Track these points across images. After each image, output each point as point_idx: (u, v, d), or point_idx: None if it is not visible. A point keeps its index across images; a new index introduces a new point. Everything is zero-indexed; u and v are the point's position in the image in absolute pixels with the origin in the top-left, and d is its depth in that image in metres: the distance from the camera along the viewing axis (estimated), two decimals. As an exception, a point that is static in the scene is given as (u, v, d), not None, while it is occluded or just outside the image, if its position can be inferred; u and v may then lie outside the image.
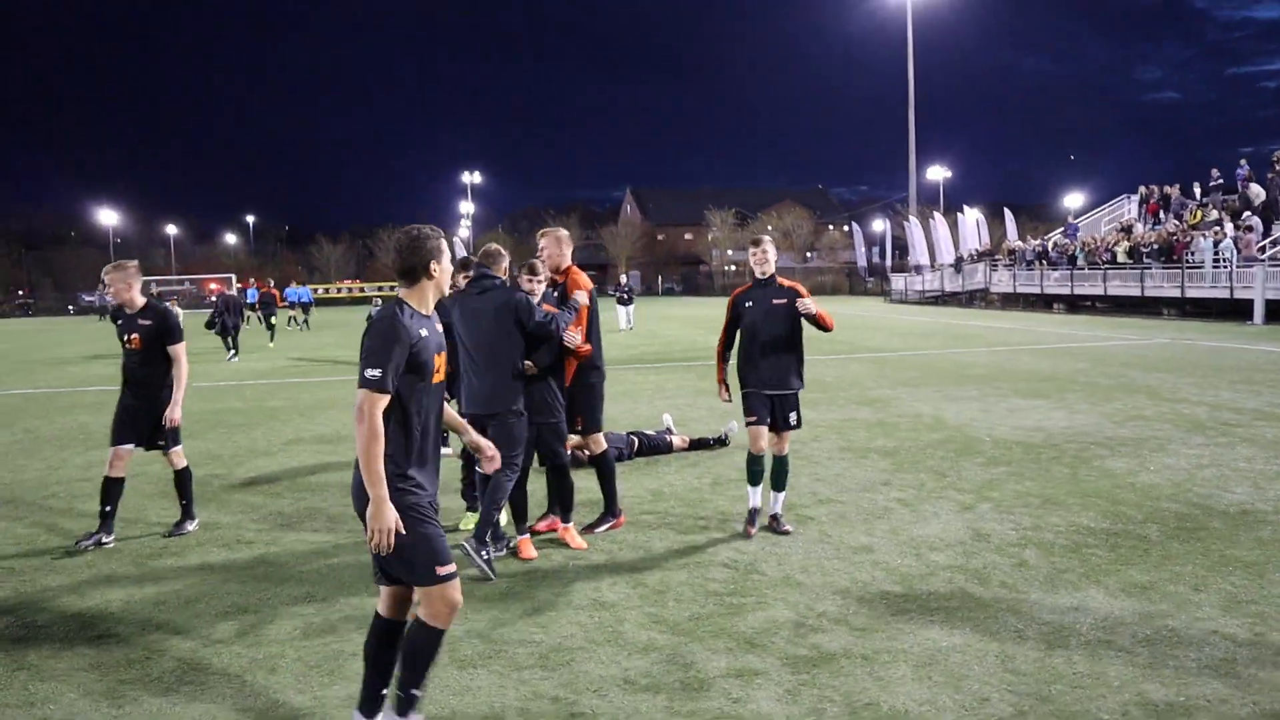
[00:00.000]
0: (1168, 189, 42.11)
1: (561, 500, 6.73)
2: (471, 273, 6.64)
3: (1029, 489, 7.84)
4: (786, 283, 6.90)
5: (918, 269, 53.37)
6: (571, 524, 6.74)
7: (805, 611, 5.15)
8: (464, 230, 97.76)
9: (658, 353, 22.65)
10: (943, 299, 46.98)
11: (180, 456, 7.30)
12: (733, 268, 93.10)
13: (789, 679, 4.33)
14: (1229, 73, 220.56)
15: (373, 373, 3.50)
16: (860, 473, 8.67)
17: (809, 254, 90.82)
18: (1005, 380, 15.12)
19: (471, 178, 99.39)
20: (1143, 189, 43.30)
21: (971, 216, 53.27)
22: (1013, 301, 41.56)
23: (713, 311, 45.36)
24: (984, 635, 4.74)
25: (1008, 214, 55.83)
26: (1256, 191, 36.19)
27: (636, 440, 9.79)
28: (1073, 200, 63.77)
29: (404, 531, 3.55)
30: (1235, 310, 29.62)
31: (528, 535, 6.53)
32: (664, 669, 4.47)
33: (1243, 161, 39.06)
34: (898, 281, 54.45)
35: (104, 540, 6.93)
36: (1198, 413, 11.48)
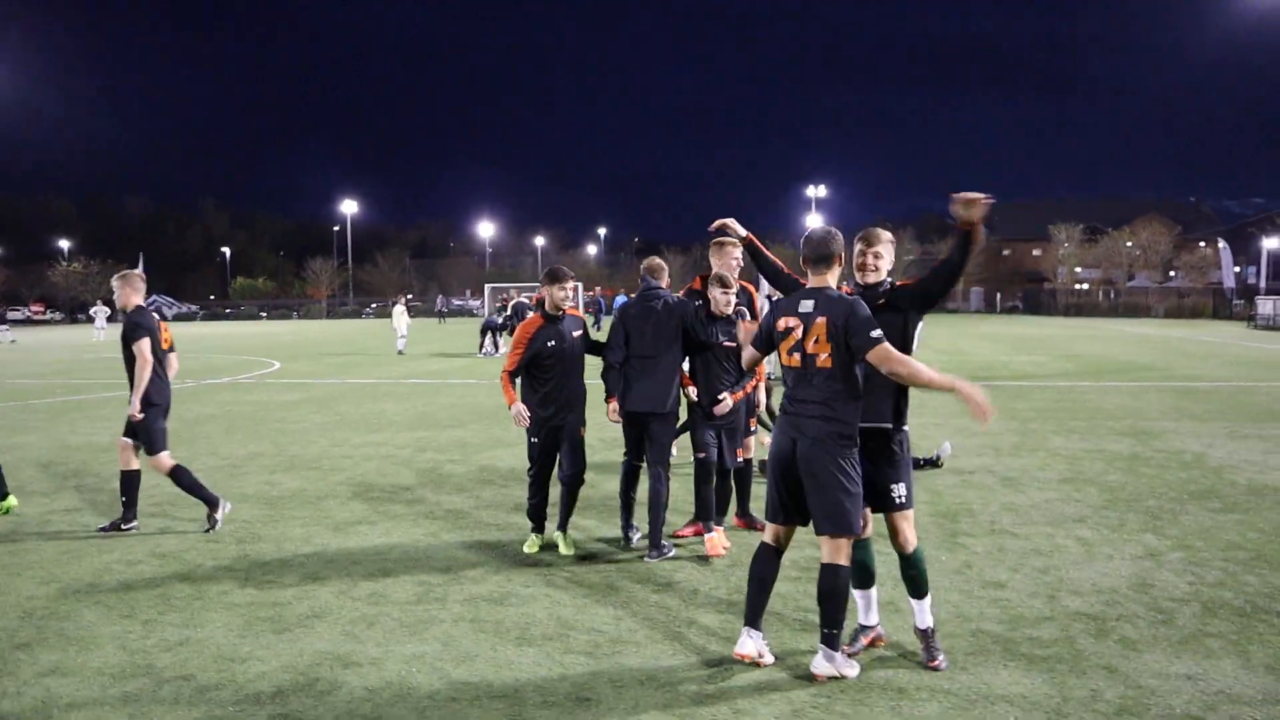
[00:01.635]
0: None
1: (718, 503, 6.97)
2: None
3: (1248, 541, 6.93)
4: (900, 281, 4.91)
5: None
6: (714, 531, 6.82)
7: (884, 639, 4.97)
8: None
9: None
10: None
11: (135, 456, 7.52)
12: (1084, 286, 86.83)
13: (804, 699, 4.25)
14: None
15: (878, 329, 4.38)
16: (1063, 506, 8.04)
17: (1171, 273, 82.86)
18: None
19: (816, 191, 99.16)
20: None
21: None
22: None
23: (1041, 332, 42.71)
24: (1053, 689, 4.36)
25: None
26: None
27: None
28: None
29: (853, 486, 4.44)
30: None
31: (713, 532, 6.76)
32: (693, 669, 4.54)
33: None
34: (1265, 305, 48.33)
35: (122, 527, 7.48)
36: None
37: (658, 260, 7.06)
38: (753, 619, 4.62)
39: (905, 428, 4.77)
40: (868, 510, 4.76)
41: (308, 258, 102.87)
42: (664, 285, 6.90)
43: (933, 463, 9.76)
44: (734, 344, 6.60)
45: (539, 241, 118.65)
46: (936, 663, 4.66)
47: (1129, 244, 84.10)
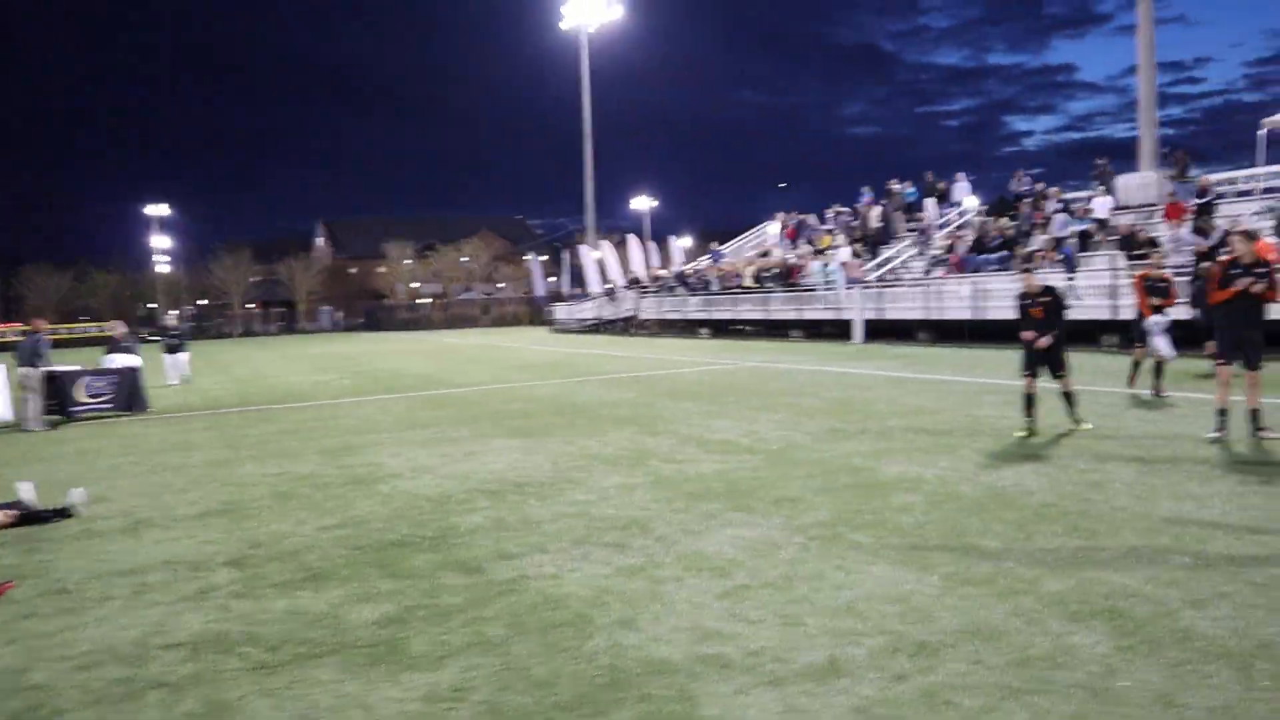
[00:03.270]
0: (802, 216, 44.38)
1: None
2: None
3: (311, 563, 6.91)
4: None
5: (574, 297, 53.83)
6: None
7: None
8: (163, 267, 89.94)
9: (201, 401, 20.75)
10: (600, 327, 47.30)
11: None
12: (427, 300, 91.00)
13: None
14: (918, 111, 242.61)
15: None
16: (135, 539, 7.49)
17: (500, 285, 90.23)
18: (508, 419, 14.50)
19: (159, 210, 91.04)
20: (781, 215, 45.36)
21: (636, 243, 54.17)
22: (666, 328, 42.23)
23: (362, 349, 43.45)
24: None
25: (675, 240, 57.43)
26: (874, 216, 38.66)
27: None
28: (775, 227, 65.94)
29: None
30: (846, 331, 30.94)
31: None
32: None
33: (865, 189, 41.71)
34: (559, 311, 54.65)
35: None
36: (641, 445, 11.13)
37: None
38: None
39: None
40: None
41: None
42: None
43: (63, 514, 8.72)
44: None
45: None
46: None
47: (464, 259, 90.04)
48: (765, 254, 42.26)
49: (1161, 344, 13.84)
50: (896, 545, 6.67)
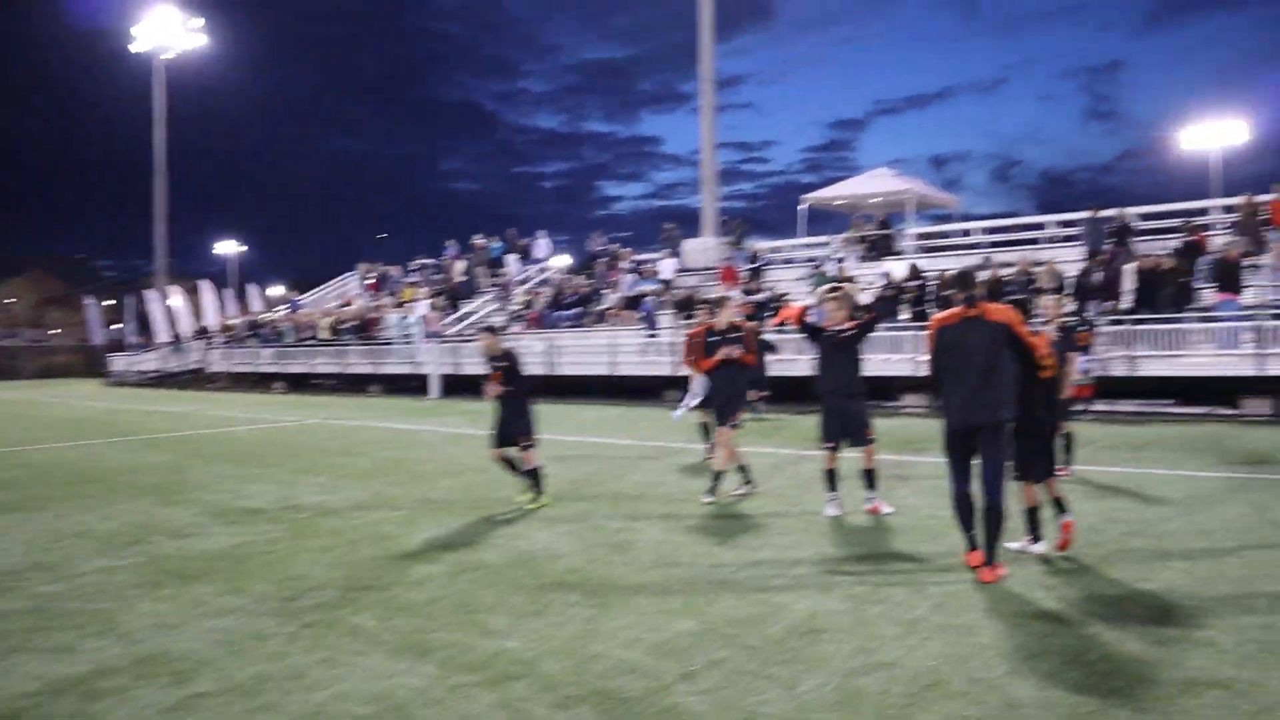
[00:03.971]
0: (385, 267, 43.41)
1: None
2: None
3: None
4: None
5: (137, 347, 49.10)
6: None
7: None
8: None
9: None
10: (163, 380, 43.14)
11: None
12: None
13: None
14: (515, 170, 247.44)
15: None
16: None
17: (53, 331, 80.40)
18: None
19: None
20: (363, 266, 44.11)
21: (211, 290, 50.34)
22: (239, 381, 39.24)
23: None
24: None
25: (260, 288, 54.06)
26: (458, 270, 38.54)
27: None
28: (358, 278, 63.42)
29: None
30: (424, 386, 30.18)
31: None
32: None
33: (449, 242, 41.55)
34: (118, 362, 49.39)
35: None
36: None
37: None
38: None
39: None
40: None
41: None
42: None
43: None
44: None
45: None
46: None
47: (8, 300, 79.52)
48: (346, 305, 40.80)
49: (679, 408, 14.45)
50: (400, 628, 6.05)
